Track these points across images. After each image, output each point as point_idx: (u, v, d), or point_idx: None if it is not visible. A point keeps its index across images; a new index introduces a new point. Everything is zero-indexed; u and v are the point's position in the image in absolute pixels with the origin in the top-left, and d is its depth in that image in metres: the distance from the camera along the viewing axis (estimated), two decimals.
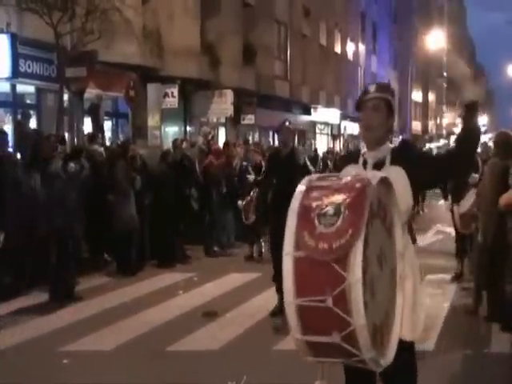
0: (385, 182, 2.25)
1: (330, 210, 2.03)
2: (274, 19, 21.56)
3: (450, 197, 7.64)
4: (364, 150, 2.70)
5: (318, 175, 2.30)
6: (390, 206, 2.33)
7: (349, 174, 2.31)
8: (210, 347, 5.13)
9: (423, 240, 10.19)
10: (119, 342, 5.21)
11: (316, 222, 2.02)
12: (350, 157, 2.89)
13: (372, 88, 2.69)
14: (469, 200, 6.45)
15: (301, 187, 2.15)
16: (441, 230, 11.95)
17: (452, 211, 7.29)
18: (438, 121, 56.57)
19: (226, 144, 10.96)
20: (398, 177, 2.47)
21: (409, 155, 2.66)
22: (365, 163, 2.66)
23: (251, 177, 9.08)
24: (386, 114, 2.66)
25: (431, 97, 52.01)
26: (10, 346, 5.17)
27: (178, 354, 4.97)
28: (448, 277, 7.63)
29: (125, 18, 10.26)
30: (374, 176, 2.19)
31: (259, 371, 4.53)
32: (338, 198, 2.05)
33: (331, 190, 2.09)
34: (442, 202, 8.71)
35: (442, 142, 37.62)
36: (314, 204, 2.06)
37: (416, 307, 2.49)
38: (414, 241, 2.62)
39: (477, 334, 5.48)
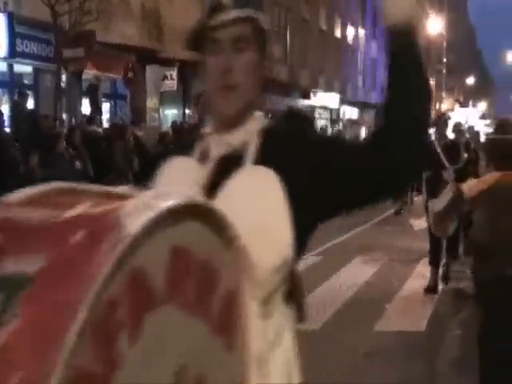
0: (206, 213, 0.90)
1: None
2: (273, 2, 21.41)
3: (424, 190, 6.57)
4: (208, 129, 1.31)
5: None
6: (228, 269, 0.97)
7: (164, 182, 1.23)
8: None
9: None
10: None
11: None
12: (183, 144, 1.45)
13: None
14: (444, 198, 5.34)
15: None
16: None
17: (427, 208, 6.11)
18: (437, 106, 56.51)
19: None
20: (264, 194, 1.14)
21: (298, 143, 1.24)
22: (204, 157, 1.27)
23: None
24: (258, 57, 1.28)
25: (431, 82, 51.82)
26: None
27: None
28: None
29: None
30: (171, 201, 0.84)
31: None
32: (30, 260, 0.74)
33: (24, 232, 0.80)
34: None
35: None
36: None
37: None
38: (300, 319, 1.27)
39: (468, 317, 5.55)
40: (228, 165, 1.20)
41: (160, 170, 1.27)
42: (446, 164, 6.25)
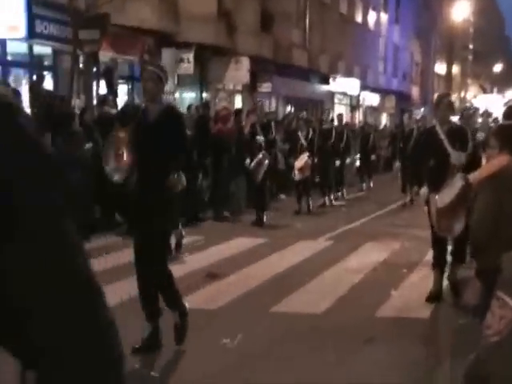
0: None
1: None
2: None
3: (425, 182, 5.44)
4: None
5: None
6: None
7: None
8: (209, 307, 5.25)
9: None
10: (116, 301, 5.34)
11: None
12: None
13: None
14: (451, 191, 4.76)
15: None
16: None
17: (428, 203, 5.34)
18: (463, 94, 55.54)
19: (237, 111, 11.03)
20: None
21: None
22: None
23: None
24: None
25: (455, 69, 50.97)
26: None
27: None
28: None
29: None
30: None
31: (255, 331, 4.65)
32: None
33: None
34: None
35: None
36: None
37: None
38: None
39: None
40: None
41: None
42: (450, 151, 5.30)
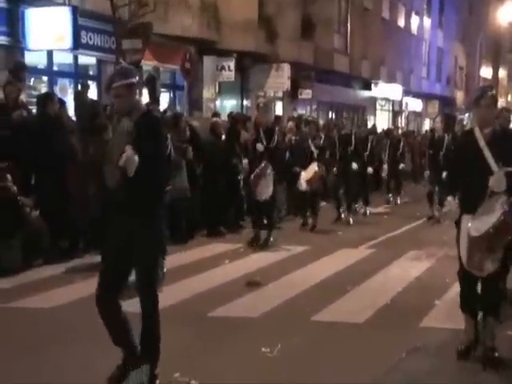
0: None
1: None
2: None
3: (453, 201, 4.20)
4: None
5: None
6: None
7: None
8: (250, 315, 5.22)
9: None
10: (162, 306, 5.36)
11: None
12: None
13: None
14: (490, 216, 3.76)
15: None
16: None
17: (457, 225, 4.11)
18: (510, 98, 54.01)
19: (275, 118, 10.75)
20: None
21: None
22: None
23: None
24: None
25: (502, 73, 49.65)
26: (60, 304, 5.44)
27: (218, 320, 5.09)
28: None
29: None
30: None
31: (294, 340, 4.59)
32: None
33: None
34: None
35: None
36: None
37: None
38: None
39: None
40: None
41: None
42: (493, 165, 3.92)
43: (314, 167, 9.28)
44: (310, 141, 9.70)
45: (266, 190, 8.03)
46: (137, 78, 3.66)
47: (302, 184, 9.27)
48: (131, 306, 3.87)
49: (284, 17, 16.64)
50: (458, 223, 4.13)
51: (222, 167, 9.02)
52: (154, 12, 9.86)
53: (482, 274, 3.96)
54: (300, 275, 6.65)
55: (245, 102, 16.92)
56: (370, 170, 11.41)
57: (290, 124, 10.72)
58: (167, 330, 4.85)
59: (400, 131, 19.96)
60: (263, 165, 7.99)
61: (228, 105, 16.56)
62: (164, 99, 13.60)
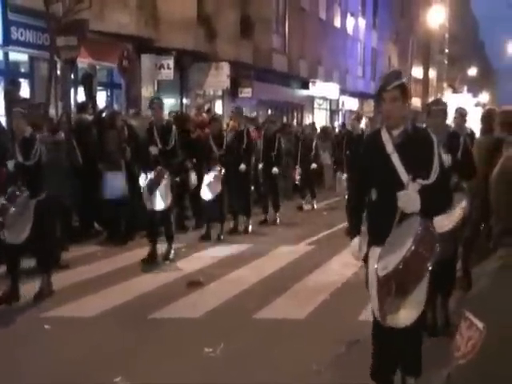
0: None
1: None
2: None
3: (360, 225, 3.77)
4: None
5: None
6: None
7: None
8: (192, 315, 5.20)
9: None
10: (102, 309, 5.28)
11: None
12: None
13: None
14: (401, 244, 2.87)
15: None
16: None
17: (365, 261, 3.39)
18: (439, 96, 56.16)
19: (212, 118, 10.40)
20: None
21: None
22: None
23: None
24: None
25: (432, 73, 51.59)
26: None
27: (160, 321, 5.05)
28: None
29: None
30: None
31: (237, 339, 4.61)
32: None
33: None
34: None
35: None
36: None
37: None
38: None
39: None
40: None
41: None
42: (403, 177, 3.09)
43: (215, 170, 8.52)
44: (211, 139, 8.87)
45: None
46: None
47: (205, 191, 8.50)
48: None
49: (223, 16, 16.62)
50: (366, 261, 3.21)
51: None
52: (90, 9, 9.60)
53: (397, 325, 3.01)
54: (241, 273, 6.68)
55: (184, 101, 16.79)
56: (275, 170, 10.18)
57: (231, 123, 10.65)
58: (108, 333, 4.78)
59: (337, 130, 20.39)
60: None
61: (167, 103, 16.36)
62: (101, 98, 13.29)
